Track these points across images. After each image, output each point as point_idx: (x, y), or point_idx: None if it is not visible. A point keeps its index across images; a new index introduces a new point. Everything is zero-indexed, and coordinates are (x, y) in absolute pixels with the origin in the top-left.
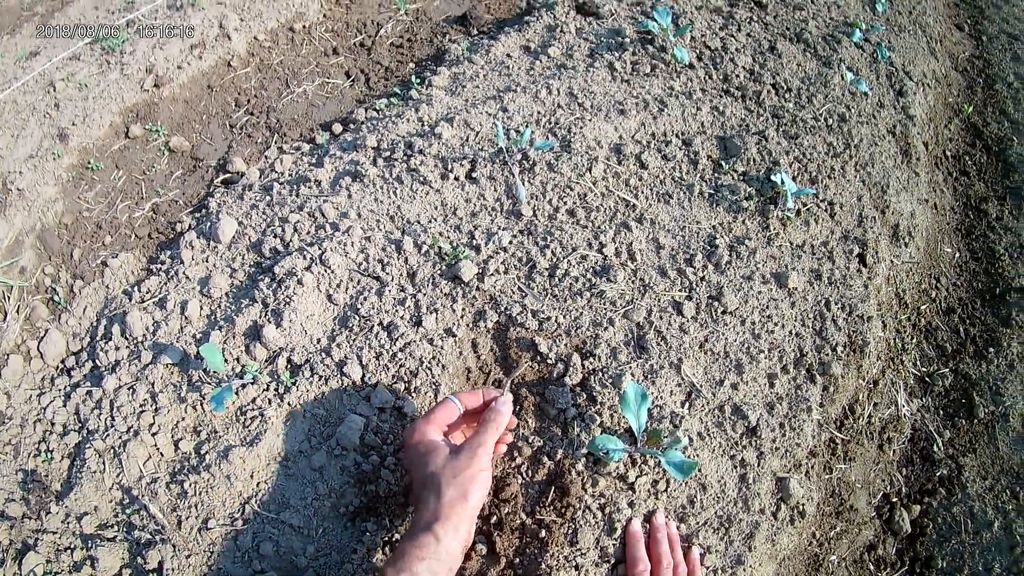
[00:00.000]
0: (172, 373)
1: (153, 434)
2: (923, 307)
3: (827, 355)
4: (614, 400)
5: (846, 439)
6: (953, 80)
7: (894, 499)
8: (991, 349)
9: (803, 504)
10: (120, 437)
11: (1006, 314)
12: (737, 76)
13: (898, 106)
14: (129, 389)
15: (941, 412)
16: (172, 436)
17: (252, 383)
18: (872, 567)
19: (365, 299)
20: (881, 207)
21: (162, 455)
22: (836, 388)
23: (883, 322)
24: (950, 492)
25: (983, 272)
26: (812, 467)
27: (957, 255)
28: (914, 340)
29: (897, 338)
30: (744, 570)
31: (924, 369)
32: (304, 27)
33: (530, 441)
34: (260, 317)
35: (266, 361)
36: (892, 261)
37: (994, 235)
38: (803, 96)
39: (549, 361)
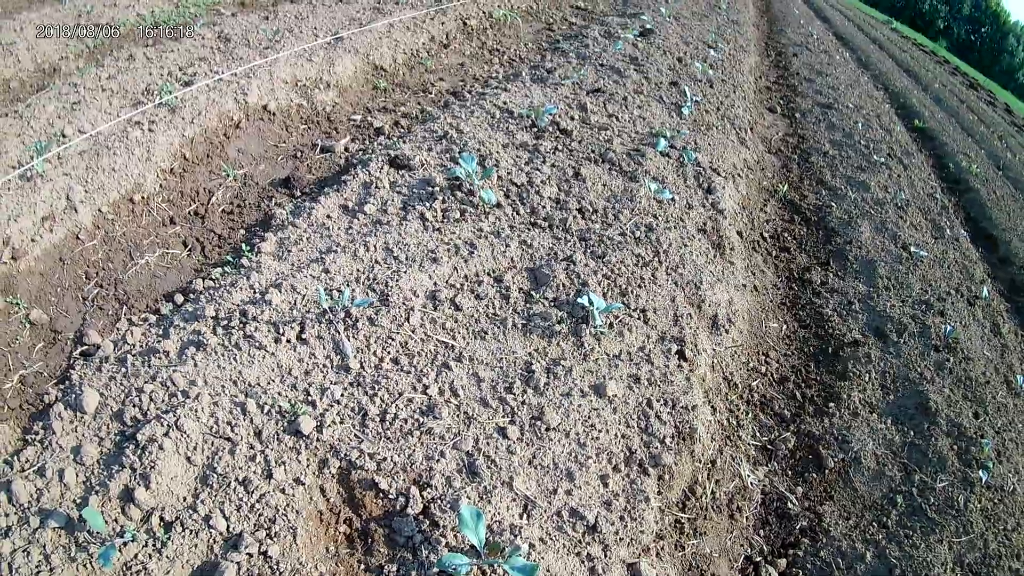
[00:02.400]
0: (60, 535)
1: None
2: (754, 383)
3: (656, 448)
4: (455, 522)
5: (692, 517)
6: (767, 163)
7: (757, 559)
8: (831, 404)
9: None
10: None
11: (842, 369)
12: (543, 207)
13: (707, 203)
14: (24, 552)
15: (790, 472)
16: None
17: (132, 540)
18: None
19: (220, 458)
20: (696, 303)
21: None
22: (672, 475)
23: (712, 406)
24: (814, 539)
25: (813, 336)
26: (662, 548)
27: (784, 327)
28: (749, 415)
29: (731, 417)
30: None
31: (764, 438)
32: (143, 198)
33: (385, 570)
34: (130, 480)
35: (141, 520)
36: (714, 349)
37: (820, 300)
38: (609, 215)
39: (391, 496)
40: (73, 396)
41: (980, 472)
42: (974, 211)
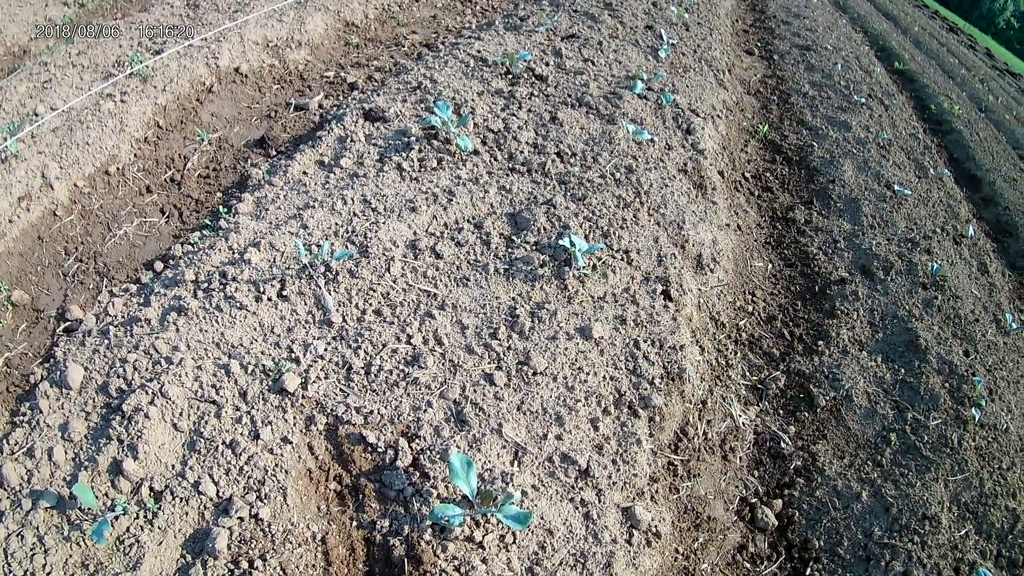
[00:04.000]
0: (52, 515)
1: (47, 573)
2: (742, 322)
3: (645, 389)
4: (445, 473)
5: (685, 459)
6: (747, 105)
7: (752, 500)
8: (820, 342)
9: (655, 526)
10: None
11: (830, 307)
12: (521, 152)
13: (687, 144)
14: (17, 536)
15: (782, 411)
16: (64, 573)
17: (124, 514)
18: (748, 565)
19: (206, 422)
20: (680, 243)
21: None
22: (662, 417)
23: (700, 346)
24: (809, 479)
25: (799, 275)
26: (656, 491)
27: (770, 267)
28: (738, 354)
29: (720, 357)
30: None
31: (754, 378)
32: (118, 169)
33: (378, 526)
34: (118, 453)
35: (131, 492)
36: (700, 289)
37: (805, 239)
38: (588, 157)
39: (380, 450)
40: (58, 373)
41: (973, 410)
42: (957, 152)
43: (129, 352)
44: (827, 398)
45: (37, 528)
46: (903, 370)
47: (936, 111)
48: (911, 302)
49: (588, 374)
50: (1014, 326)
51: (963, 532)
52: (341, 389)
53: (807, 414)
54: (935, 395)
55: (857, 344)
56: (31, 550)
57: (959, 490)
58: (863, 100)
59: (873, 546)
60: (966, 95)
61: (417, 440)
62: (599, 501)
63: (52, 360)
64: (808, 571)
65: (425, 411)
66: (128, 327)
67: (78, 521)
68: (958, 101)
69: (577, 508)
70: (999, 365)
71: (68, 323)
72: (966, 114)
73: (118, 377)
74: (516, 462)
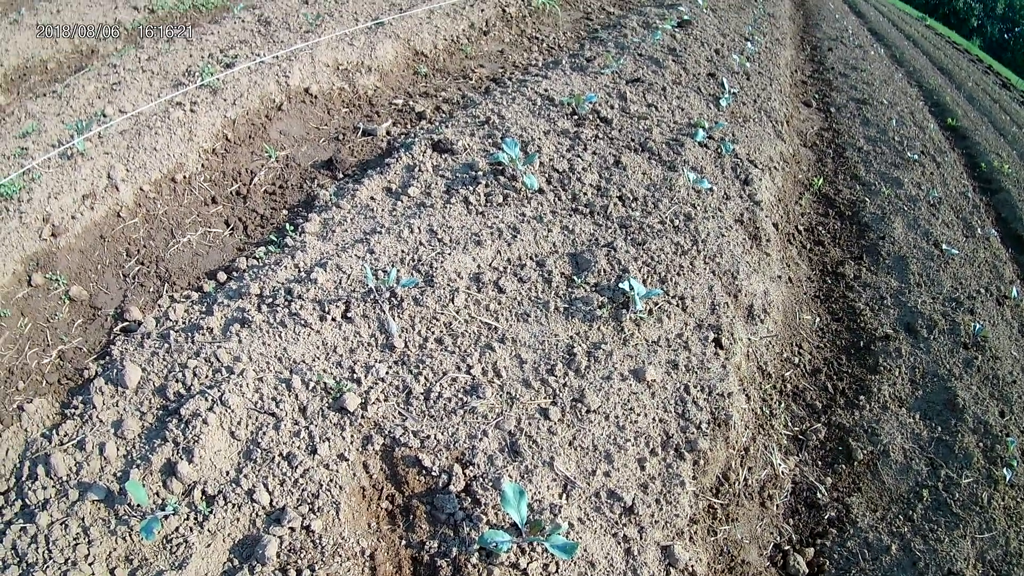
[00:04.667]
0: (99, 508)
1: (90, 564)
2: (787, 374)
3: (692, 434)
4: (496, 500)
5: (725, 503)
6: (803, 157)
7: (786, 547)
8: (861, 397)
9: (692, 565)
10: (59, 568)
11: (873, 363)
12: (585, 194)
13: (744, 194)
14: (61, 525)
15: (820, 463)
16: (107, 565)
17: (173, 514)
18: None
19: (264, 433)
20: (733, 292)
21: None
22: (706, 461)
23: (747, 395)
24: (841, 530)
25: (845, 330)
26: (695, 532)
27: (817, 320)
28: (782, 405)
29: (764, 406)
30: None
31: (796, 428)
32: (185, 177)
33: (426, 547)
34: (173, 455)
35: (183, 494)
36: (749, 339)
37: (853, 294)
38: (649, 203)
39: (434, 474)
40: (114, 371)
41: (1004, 470)
42: (1005, 211)
43: (190, 358)
44: (865, 452)
45: (83, 519)
46: (940, 428)
47: (986, 169)
48: (952, 361)
49: (639, 415)
50: None
51: None
52: (400, 412)
53: (844, 466)
54: (969, 454)
55: (897, 400)
56: (74, 539)
57: (985, 548)
58: (916, 156)
59: None
60: (1016, 153)
61: (471, 467)
62: (640, 538)
63: (108, 358)
64: None
65: (480, 440)
66: (189, 333)
67: (125, 516)
68: (1008, 159)
69: (619, 543)
70: None
71: (126, 323)
72: (1015, 173)
73: (177, 381)
74: (565, 495)
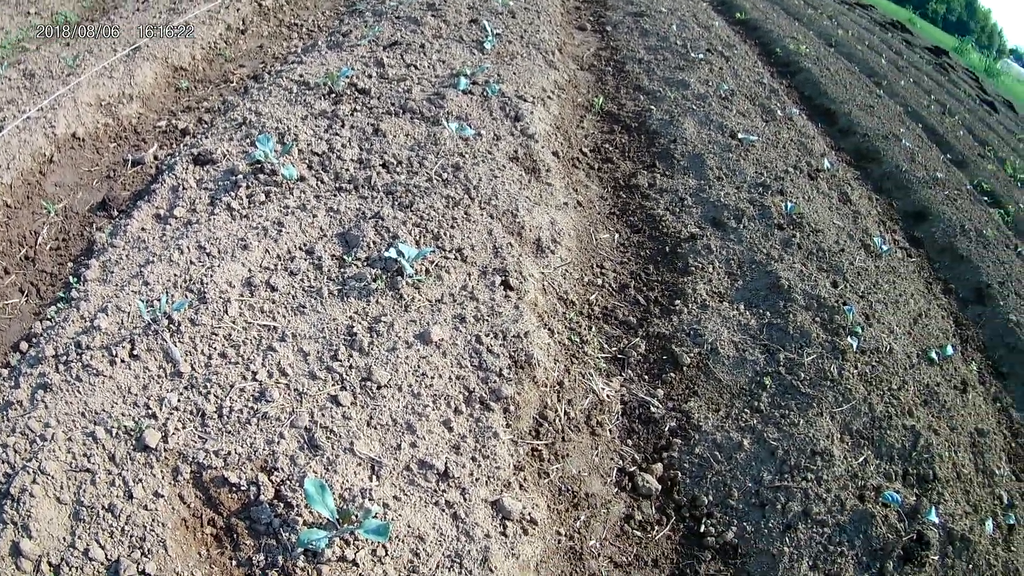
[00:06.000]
0: None
1: None
2: (592, 297)
3: (495, 382)
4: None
5: (549, 442)
6: (580, 80)
7: (631, 468)
8: (677, 302)
9: (529, 513)
10: None
11: (683, 265)
12: (347, 170)
13: (516, 131)
14: None
15: (647, 376)
16: None
17: None
18: (639, 533)
19: (85, 491)
20: (515, 230)
21: None
22: (517, 405)
23: (549, 328)
24: (686, 438)
25: (648, 239)
26: (525, 479)
27: (616, 236)
28: (593, 329)
29: (573, 335)
30: None
31: (613, 348)
32: None
33: (255, 561)
34: (15, 535)
35: (33, 570)
36: (543, 273)
37: (650, 202)
38: (414, 163)
39: (243, 488)
40: None
41: (849, 339)
42: (808, 89)
43: (8, 436)
44: (691, 355)
45: None
46: (768, 313)
47: (782, 54)
48: (768, 245)
49: (433, 378)
50: (884, 248)
51: (861, 459)
52: (199, 436)
53: (674, 374)
54: (806, 331)
55: (716, 296)
56: None
57: (848, 419)
58: (702, 56)
59: (765, 491)
60: (814, 33)
61: (276, 472)
62: (464, 500)
63: None
64: (702, 528)
65: (279, 443)
66: (3, 412)
67: None
68: (805, 41)
69: (443, 511)
70: (873, 289)
71: None
72: (814, 52)
73: (2, 462)
74: (374, 476)
